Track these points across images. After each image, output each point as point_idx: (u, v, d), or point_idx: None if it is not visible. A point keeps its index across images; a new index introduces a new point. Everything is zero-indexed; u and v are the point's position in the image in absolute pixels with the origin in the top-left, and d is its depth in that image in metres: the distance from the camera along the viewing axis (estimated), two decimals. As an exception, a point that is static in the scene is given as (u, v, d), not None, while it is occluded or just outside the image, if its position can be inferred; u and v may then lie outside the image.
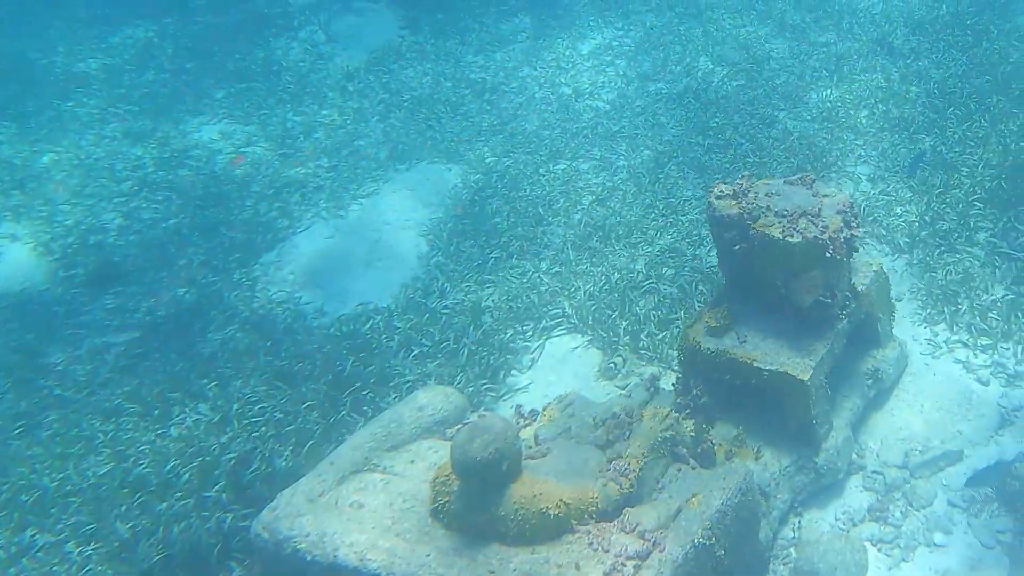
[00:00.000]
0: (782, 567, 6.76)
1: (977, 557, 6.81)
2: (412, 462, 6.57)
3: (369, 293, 11.67)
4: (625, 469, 6.03)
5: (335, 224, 13.41)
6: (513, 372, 9.58)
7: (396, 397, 9.26)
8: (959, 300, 8.73)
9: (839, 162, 11.50)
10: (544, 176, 13.24)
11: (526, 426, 7.12)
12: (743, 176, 7.25)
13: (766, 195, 7.05)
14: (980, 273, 9.04)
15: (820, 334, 6.93)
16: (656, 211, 11.60)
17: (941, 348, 8.43)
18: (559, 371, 9.45)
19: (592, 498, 5.79)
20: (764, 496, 6.71)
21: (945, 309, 8.72)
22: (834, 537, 6.62)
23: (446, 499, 5.68)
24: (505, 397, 9.33)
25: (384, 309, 10.88)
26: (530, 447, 6.39)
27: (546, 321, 10.04)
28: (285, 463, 8.71)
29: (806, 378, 6.67)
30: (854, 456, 7.53)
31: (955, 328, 8.58)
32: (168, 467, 8.31)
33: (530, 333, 9.94)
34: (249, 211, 13.67)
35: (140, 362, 10.61)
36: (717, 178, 11.38)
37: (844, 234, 6.74)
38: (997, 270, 9.06)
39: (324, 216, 13.52)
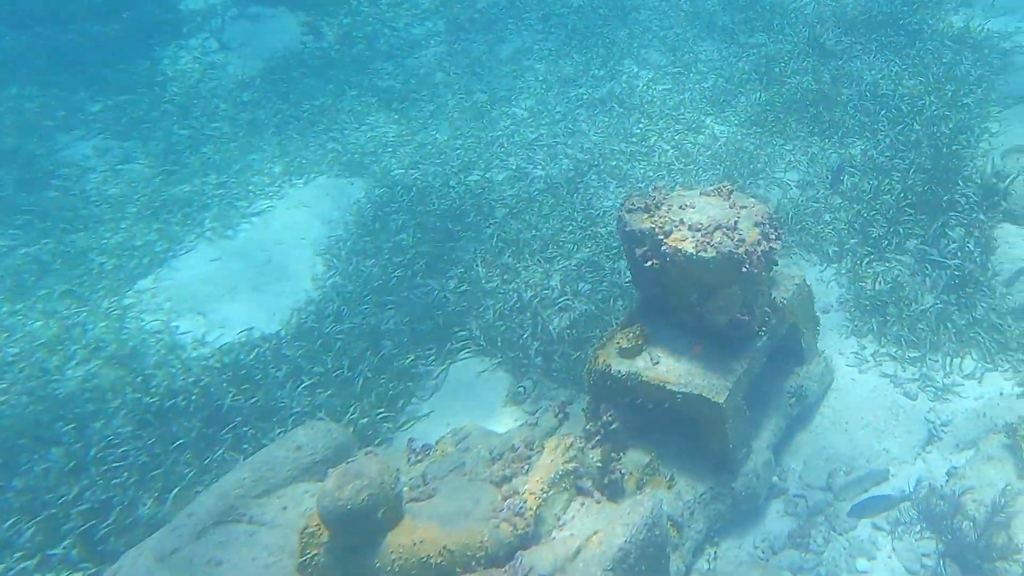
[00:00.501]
0: None
1: (903, 585, 6.89)
2: (284, 509, 6.39)
3: (256, 319, 11.44)
4: (520, 508, 5.94)
5: (222, 246, 13.16)
6: (413, 400, 9.47)
7: (281, 432, 9.06)
8: (887, 311, 8.91)
9: (767, 168, 11.73)
10: (455, 189, 13.23)
11: (419, 462, 7.00)
12: (656, 188, 7.30)
13: (680, 208, 7.10)
14: (910, 282, 9.27)
15: (737, 353, 6.98)
16: (574, 224, 11.66)
17: (868, 361, 8.59)
18: (464, 397, 9.36)
19: (480, 542, 5.67)
20: (676, 527, 6.69)
21: (873, 320, 8.89)
22: (751, 568, 6.61)
23: (315, 552, 5.51)
24: (404, 428, 9.19)
25: (271, 336, 10.66)
26: (418, 487, 6.27)
27: (451, 344, 9.94)
28: (148, 512, 8.42)
29: (721, 401, 6.70)
30: (775, 479, 7.58)
31: (883, 340, 8.75)
32: (7, 524, 7.93)
33: (433, 357, 9.83)
34: (123, 234, 13.33)
35: (-15, 405, 10.18)
36: (640, 187, 11.56)
37: (762, 247, 6.81)
38: (927, 279, 9.30)
39: (209, 237, 13.27)
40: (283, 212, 13.63)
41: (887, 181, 10.62)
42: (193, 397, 9.64)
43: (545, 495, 6.08)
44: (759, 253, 6.68)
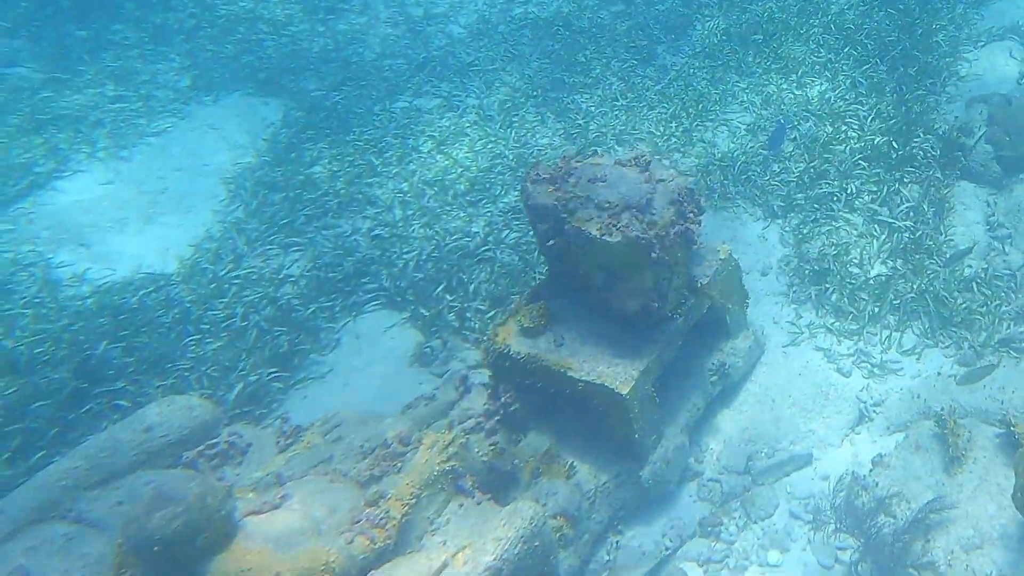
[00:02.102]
0: None
1: (812, 581, 6.83)
2: (120, 503, 6.07)
3: (148, 255, 10.99)
4: (381, 519, 5.68)
5: (115, 168, 12.59)
6: (311, 356, 9.14)
7: (161, 389, 8.72)
8: (829, 277, 8.70)
9: (718, 108, 11.37)
10: (379, 116, 12.75)
11: (289, 444, 6.72)
12: (564, 157, 6.95)
13: (589, 181, 6.75)
14: (856, 244, 9.05)
15: (648, 337, 6.75)
16: (504, 162, 11.27)
17: (803, 333, 8.41)
18: (367, 355, 9.07)
19: (326, 563, 5.39)
20: (571, 522, 6.52)
21: (812, 288, 8.69)
22: (650, 560, 6.49)
23: (129, 573, 5.19)
24: (297, 386, 8.90)
25: (161, 276, 10.22)
26: (271, 487, 5.98)
27: (358, 295, 9.60)
28: (5, 473, 8.09)
29: (625, 392, 6.48)
30: (692, 460, 7.44)
31: (821, 310, 8.57)
32: None
33: (337, 309, 9.49)
34: (0, 149, 12.67)
35: None
36: (579, 124, 11.18)
37: (676, 229, 6.53)
38: (875, 240, 9.09)
39: (101, 158, 12.67)
40: (186, 133, 13.05)
41: (843, 129, 10.31)
42: (63, 344, 9.19)
43: (416, 498, 5.82)
44: (672, 236, 6.40)
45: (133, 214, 11.55)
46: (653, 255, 6.31)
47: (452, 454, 6.09)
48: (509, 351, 6.83)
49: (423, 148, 11.83)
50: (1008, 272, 8.45)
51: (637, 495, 6.93)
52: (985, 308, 8.15)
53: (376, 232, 10.36)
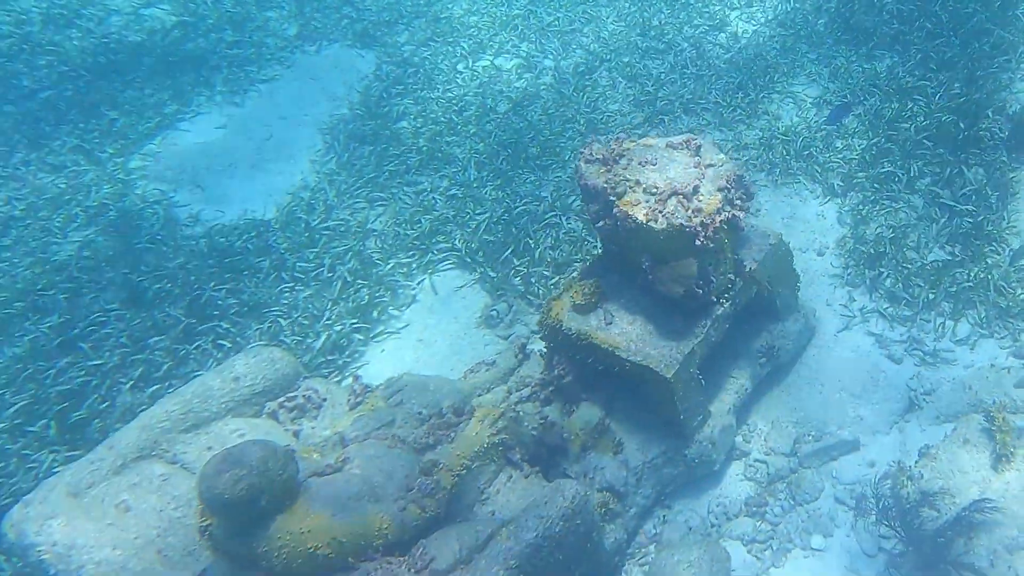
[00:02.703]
0: (637, 568, 6.07)
1: (855, 568, 6.14)
2: (209, 448, 5.71)
3: (253, 199, 10.55)
4: (431, 488, 5.18)
5: (229, 113, 12.11)
6: (389, 310, 8.63)
7: (259, 332, 8.34)
8: (884, 260, 7.74)
9: (786, 80, 10.24)
10: (463, 74, 11.92)
11: (359, 402, 6.23)
12: (617, 139, 6.13)
13: (640, 164, 5.97)
14: (915, 228, 8.04)
15: (694, 320, 6.06)
16: (576, 126, 10.39)
17: (855, 317, 7.51)
18: (439, 313, 8.52)
19: (379, 529, 4.96)
20: (618, 497, 5.95)
21: (867, 271, 7.75)
22: (694, 544, 5.89)
23: (209, 521, 4.81)
24: (377, 339, 8.42)
25: (263, 223, 9.77)
26: (336, 448, 5.50)
27: (432, 253, 9.00)
28: (127, 399, 7.88)
29: (669, 375, 5.82)
30: (739, 440, 6.76)
31: (875, 294, 7.65)
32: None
33: (414, 266, 8.91)
34: (136, 89, 12.27)
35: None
36: (649, 91, 10.19)
37: (722, 217, 5.74)
38: (934, 224, 8.06)
39: (218, 102, 12.20)
40: (290, 82, 12.43)
41: (909, 106, 9.13)
42: (179, 281, 8.87)
43: (466, 469, 5.31)
44: (717, 223, 5.63)
45: (242, 159, 11.09)
46: (697, 242, 5.55)
47: (502, 427, 5.60)
48: (561, 326, 6.21)
49: (499, 109, 10.96)
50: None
51: (684, 472, 6.33)
52: (1040, 300, 7.11)
53: (452, 191, 9.63)
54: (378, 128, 10.96)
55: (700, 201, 5.73)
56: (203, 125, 11.79)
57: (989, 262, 7.46)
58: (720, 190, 5.81)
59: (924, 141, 8.64)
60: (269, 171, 10.91)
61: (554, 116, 10.61)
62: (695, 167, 5.94)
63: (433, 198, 9.66)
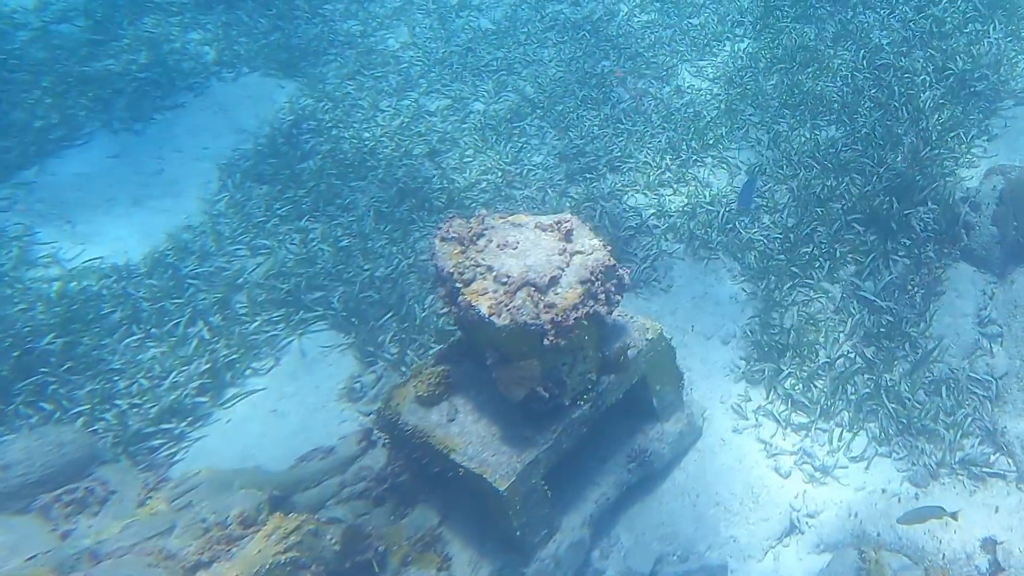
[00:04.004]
0: None
1: None
2: None
3: (127, 239, 10.37)
4: None
5: (124, 141, 12.00)
6: (248, 371, 8.40)
7: (91, 392, 8.09)
8: (787, 356, 7.55)
9: (723, 142, 10.14)
10: (384, 112, 11.83)
11: (148, 499, 5.96)
12: (479, 215, 5.98)
13: (499, 246, 5.79)
14: (828, 322, 7.85)
15: (545, 424, 5.81)
16: (491, 177, 10.26)
17: (747, 419, 7.29)
18: (301, 379, 8.29)
19: None
20: None
21: (767, 367, 7.55)
22: None
23: None
24: (225, 406, 8.17)
25: (125, 267, 9.57)
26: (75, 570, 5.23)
27: (306, 310, 8.80)
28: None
29: (503, 488, 5.57)
30: (596, 555, 6.48)
31: (772, 394, 7.43)
32: None
33: (282, 324, 8.70)
34: (25, 111, 12.17)
35: None
36: (577, 144, 10.09)
37: (580, 313, 5.52)
38: (850, 319, 7.87)
39: (116, 129, 12.07)
40: (197, 112, 12.36)
41: (844, 183, 9.01)
42: (13, 330, 8.63)
43: None
44: (571, 320, 5.38)
45: (124, 194, 10.95)
46: (546, 342, 5.32)
47: (293, 543, 5.25)
48: (399, 420, 5.97)
49: (415, 151, 10.86)
50: (988, 378, 7.12)
51: None
52: (951, 418, 6.88)
53: (344, 242, 9.47)
54: (279, 167, 10.85)
55: (557, 295, 5.53)
56: (94, 153, 11.67)
57: (898, 370, 7.24)
58: (583, 283, 5.61)
59: (854, 224, 8.48)
60: (152, 208, 10.76)
61: (471, 165, 10.50)
62: (560, 254, 5.74)
63: (321, 248, 9.48)
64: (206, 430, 7.84)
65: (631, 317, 6.41)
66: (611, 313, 5.73)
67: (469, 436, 5.79)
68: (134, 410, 7.88)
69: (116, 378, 8.18)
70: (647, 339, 6.27)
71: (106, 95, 12.43)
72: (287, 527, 5.31)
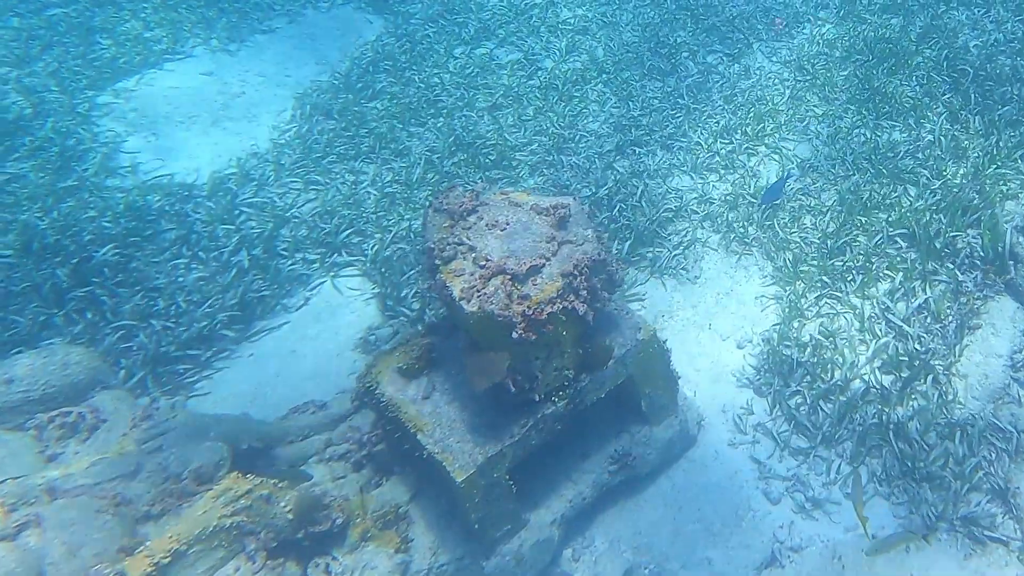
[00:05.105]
0: None
1: None
2: None
3: (199, 158, 9.73)
4: None
5: (220, 61, 11.27)
6: (278, 308, 7.75)
7: (133, 307, 7.58)
8: (797, 373, 6.47)
9: (780, 132, 8.82)
10: (457, 58, 10.76)
11: (136, 427, 5.36)
12: (472, 191, 5.04)
13: (488, 225, 4.89)
14: (849, 341, 6.71)
15: (515, 417, 4.97)
16: (544, 139, 9.20)
17: (745, 435, 6.30)
18: (324, 323, 7.60)
19: None
20: None
21: (776, 380, 6.50)
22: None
23: None
24: (252, 339, 7.57)
25: (190, 187, 8.96)
26: (32, 501, 4.66)
27: (340, 255, 8.05)
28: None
29: (460, 479, 4.79)
30: (568, 554, 5.70)
31: (776, 410, 6.39)
32: None
33: (317, 264, 7.99)
34: (140, 20, 11.55)
35: None
36: (634, 115, 8.94)
37: (555, 307, 4.59)
38: (873, 342, 6.71)
39: (213, 47, 11.35)
40: (286, 39, 11.54)
41: (895, 193, 7.68)
42: (79, 237, 8.15)
43: (173, 556, 4.40)
44: (546, 315, 4.48)
45: (206, 113, 10.29)
46: (515, 334, 4.44)
47: (242, 507, 4.61)
48: (376, 389, 5.21)
49: (478, 104, 9.83)
50: (1010, 429, 5.93)
51: None
52: (960, 468, 5.76)
53: (390, 188, 8.63)
54: (348, 104, 9.99)
55: (535, 286, 4.64)
56: (189, 69, 11.01)
57: (915, 404, 6.10)
58: (564, 276, 4.70)
59: (897, 239, 7.21)
60: (227, 130, 10.08)
61: (528, 124, 9.44)
62: (548, 242, 4.83)
63: (368, 192, 8.66)
64: (230, 361, 7.23)
65: (626, 313, 5.44)
66: (593, 311, 4.79)
67: (439, 418, 5.02)
68: (167, 331, 7.27)
69: (157, 296, 7.56)
70: (638, 339, 5.33)
71: (211, 14, 11.65)
72: (238, 489, 4.67)
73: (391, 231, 8.03)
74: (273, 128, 9.97)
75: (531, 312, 4.49)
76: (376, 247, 7.83)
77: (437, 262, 4.71)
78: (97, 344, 7.10)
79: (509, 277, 4.56)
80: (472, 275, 4.59)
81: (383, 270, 7.65)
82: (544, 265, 4.69)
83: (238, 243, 8.11)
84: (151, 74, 10.81)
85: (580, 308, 4.65)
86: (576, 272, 4.67)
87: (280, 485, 4.78)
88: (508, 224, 4.84)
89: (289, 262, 7.94)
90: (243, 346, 7.40)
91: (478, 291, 4.49)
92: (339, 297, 7.70)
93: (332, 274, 7.89)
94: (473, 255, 4.67)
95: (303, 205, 8.68)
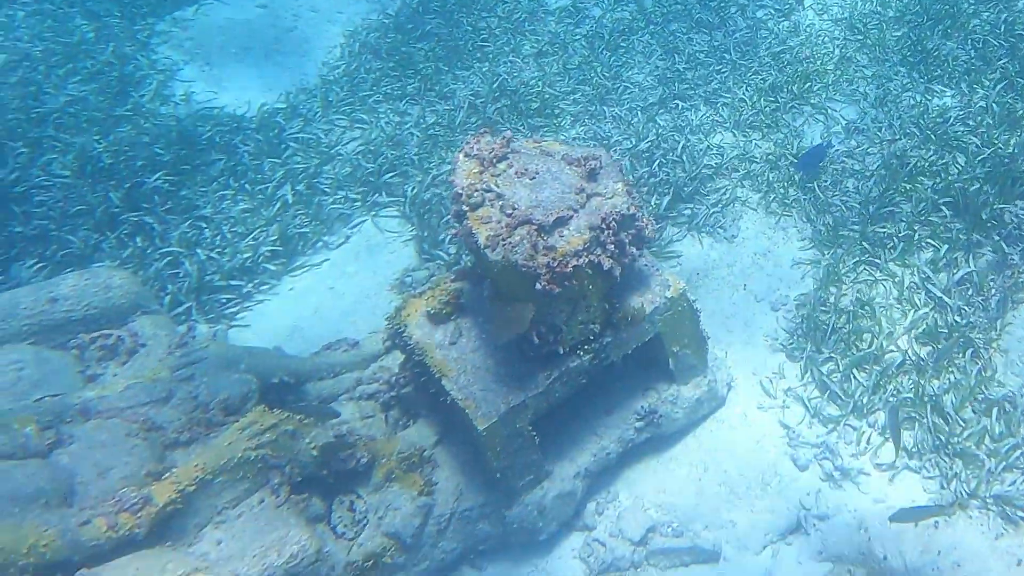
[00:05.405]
0: None
1: None
2: None
3: (251, 91, 9.19)
4: (135, 503, 3.95)
5: (275, -9, 10.59)
6: (319, 245, 7.31)
7: (181, 235, 7.18)
8: (833, 339, 5.90)
9: (826, 92, 8.05)
10: (506, 2, 10.01)
11: (192, 354, 4.96)
12: (504, 137, 4.48)
13: (517, 173, 4.36)
14: (887, 309, 6.10)
15: (540, 368, 4.53)
16: (588, 88, 8.52)
17: (775, 399, 5.77)
18: (363, 261, 7.16)
19: (32, 546, 3.76)
20: (404, 548, 4.63)
21: (809, 345, 5.94)
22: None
23: None
24: (293, 273, 7.15)
25: (240, 118, 8.46)
26: (68, 421, 4.31)
27: (381, 195, 7.55)
28: (24, 276, 6.95)
29: (482, 427, 4.38)
30: (592, 507, 5.28)
31: (807, 376, 5.85)
32: None
33: (359, 203, 7.50)
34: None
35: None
36: (679, 69, 8.22)
37: (584, 259, 4.08)
38: (911, 312, 6.10)
39: (272, -22, 10.66)
40: (345, -28, 10.73)
41: (943, 160, 6.95)
42: (132, 163, 7.73)
43: (199, 484, 4.05)
44: (571, 267, 3.98)
45: (259, 46, 9.70)
46: (538, 286, 3.97)
47: (267, 441, 4.24)
48: (404, 331, 4.77)
49: (524, 50, 9.13)
50: (1050, 410, 5.33)
51: (499, 535, 4.90)
52: (996, 446, 5.20)
53: (433, 131, 8.05)
54: (397, 44, 9.34)
55: (561, 237, 4.13)
56: (245, 1, 10.36)
57: (952, 378, 5.52)
58: (592, 229, 4.19)
59: (942, 207, 6.51)
60: (279, 64, 9.50)
61: (572, 73, 8.74)
62: (577, 193, 4.30)
63: (412, 133, 8.09)
64: (270, 295, 6.84)
65: (656, 270, 4.90)
66: (621, 266, 4.29)
67: (464, 364, 4.59)
68: (211, 261, 6.87)
69: (203, 226, 7.15)
70: (666, 297, 4.81)
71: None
72: (263, 423, 4.30)
73: (431, 173, 7.45)
74: (323, 64, 9.38)
75: (555, 264, 4.02)
76: (415, 189, 7.29)
77: (464, 208, 4.22)
78: (145, 269, 6.70)
79: (535, 227, 4.07)
80: (499, 223, 4.10)
81: (421, 212, 7.13)
82: (572, 217, 4.19)
83: (283, 177, 7.59)
84: (208, 4, 10.21)
85: (606, 263, 4.16)
86: (604, 226, 4.16)
87: (306, 421, 4.38)
88: (538, 173, 4.31)
89: (331, 199, 7.41)
90: (284, 280, 6.99)
91: (503, 240, 4.01)
92: (379, 237, 7.21)
93: (373, 214, 7.39)
94: (500, 203, 4.17)
95: (348, 143, 8.12)
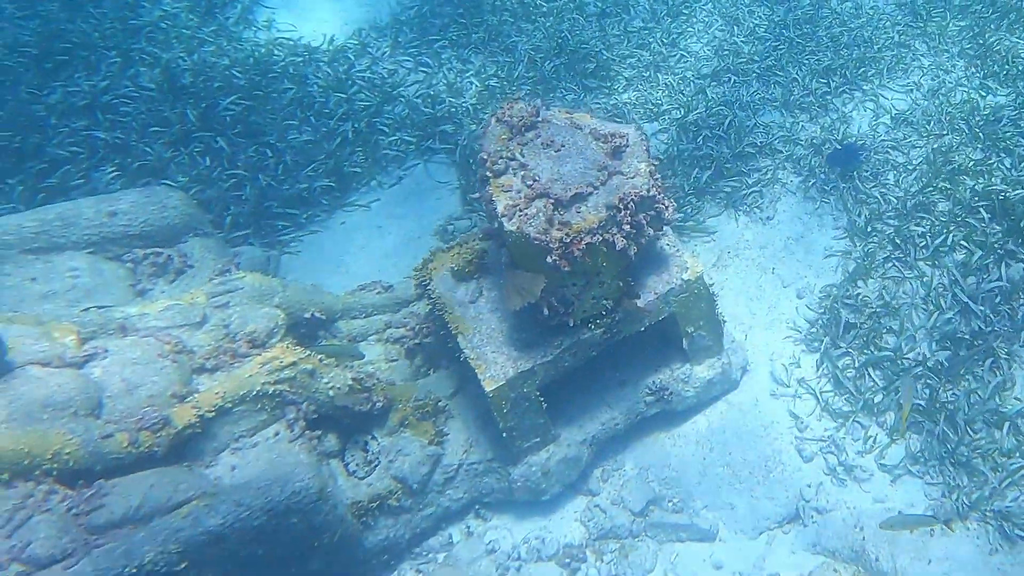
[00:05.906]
0: (411, 572, 4.50)
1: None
2: (33, 280, 4.27)
3: (330, 22, 8.50)
4: (156, 423, 3.60)
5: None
6: (373, 183, 6.76)
7: (246, 159, 6.69)
8: (852, 334, 5.22)
9: (880, 79, 7.04)
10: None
11: (229, 283, 4.54)
12: (534, 106, 3.82)
13: (544, 144, 3.74)
14: (907, 305, 5.36)
15: (552, 337, 4.05)
16: (645, 54, 7.65)
17: (788, 388, 5.16)
18: (411, 204, 6.61)
19: (56, 451, 3.44)
20: (409, 492, 4.25)
21: (827, 338, 5.26)
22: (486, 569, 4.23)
23: None
24: (345, 207, 6.64)
25: (314, 50, 7.81)
26: (97, 335, 3.93)
27: (435, 141, 6.91)
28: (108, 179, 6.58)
29: (489, 389, 3.93)
30: (597, 474, 4.83)
31: (822, 367, 5.20)
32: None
33: (413, 147, 6.88)
34: None
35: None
36: (736, 42, 7.28)
37: (597, 237, 3.49)
38: (935, 314, 5.35)
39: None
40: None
41: (988, 161, 6.01)
42: (209, 83, 7.19)
43: (218, 411, 3.70)
44: (584, 244, 3.44)
45: (338, -21, 8.86)
46: (549, 260, 3.48)
47: (286, 378, 3.86)
48: (429, 284, 4.28)
49: (588, 9, 8.24)
50: (1063, 430, 4.63)
51: (503, 490, 4.50)
52: (1002, 461, 4.55)
53: (491, 83, 7.31)
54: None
55: (578, 214, 3.59)
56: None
57: (967, 386, 4.82)
58: (609, 208, 3.60)
59: (980, 209, 5.64)
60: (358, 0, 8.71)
61: (632, 36, 7.82)
62: (599, 170, 3.70)
63: (471, 82, 7.36)
64: (322, 226, 6.38)
65: (677, 251, 4.28)
66: (636, 246, 3.72)
67: (480, 324, 4.11)
68: (271, 188, 6.39)
69: (268, 152, 6.63)
70: (683, 279, 4.22)
71: None
72: (283, 360, 3.91)
73: (472, 125, 6.75)
74: (397, 3, 8.55)
75: (568, 240, 3.49)
76: (466, 139, 6.60)
77: (488, 174, 3.68)
78: (212, 186, 6.24)
79: (552, 201, 3.48)
80: (519, 193, 3.58)
81: (469, 162, 6.47)
82: (591, 194, 3.64)
83: (345, 113, 6.98)
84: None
85: (620, 243, 3.59)
86: (621, 206, 3.58)
87: (325, 362, 3.95)
88: (563, 146, 3.74)
89: (388, 139, 6.79)
90: (336, 214, 6.50)
91: (520, 210, 3.51)
92: (428, 182, 6.63)
93: (425, 159, 6.77)
94: (523, 172, 3.61)
95: (410, 85, 7.42)
